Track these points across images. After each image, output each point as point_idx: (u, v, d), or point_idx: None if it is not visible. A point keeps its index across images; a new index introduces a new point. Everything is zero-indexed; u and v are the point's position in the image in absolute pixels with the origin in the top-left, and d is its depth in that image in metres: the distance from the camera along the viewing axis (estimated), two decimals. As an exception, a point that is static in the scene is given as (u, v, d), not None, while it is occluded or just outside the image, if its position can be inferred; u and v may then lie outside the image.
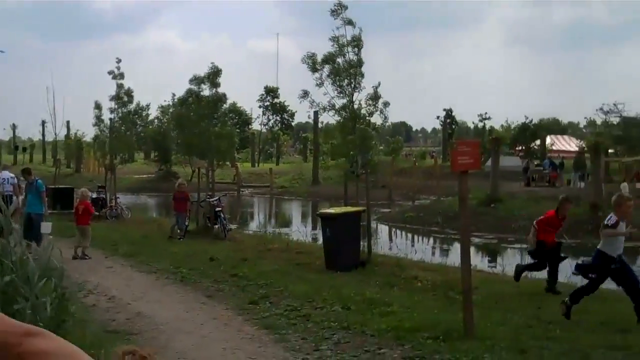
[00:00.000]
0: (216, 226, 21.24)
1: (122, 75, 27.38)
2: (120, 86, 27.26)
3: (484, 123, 69.71)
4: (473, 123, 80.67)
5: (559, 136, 72.31)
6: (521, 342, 7.84)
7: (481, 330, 8.39)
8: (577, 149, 52.75)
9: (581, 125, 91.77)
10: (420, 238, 26.78)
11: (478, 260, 20.89)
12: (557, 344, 7.67)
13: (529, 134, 65.44)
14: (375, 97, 16.14)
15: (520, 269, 13.02)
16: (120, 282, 12.58)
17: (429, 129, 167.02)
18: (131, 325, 9.76)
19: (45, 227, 13.95)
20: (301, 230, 25.97)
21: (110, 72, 27.33)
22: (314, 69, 16.50)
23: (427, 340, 8.16)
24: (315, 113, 32.09)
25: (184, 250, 17.28)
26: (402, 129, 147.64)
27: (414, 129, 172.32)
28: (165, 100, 60.71)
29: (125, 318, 10.20)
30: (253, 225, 32.56)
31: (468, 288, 8.11)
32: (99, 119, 28.45)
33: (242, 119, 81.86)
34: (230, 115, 66.71)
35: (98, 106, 28.40)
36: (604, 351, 7.36)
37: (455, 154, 7.70)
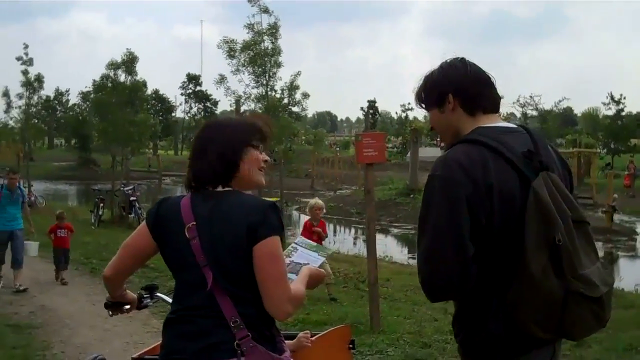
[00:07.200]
0: (131, 215, 20.86)
1: (31, 61, 26.67)
2: (25, 72, 26.60)
3: (407, 114, 70.04)
4: (396, 113, 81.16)
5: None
6: (426, 335, 7.90)
7: (388, 323, 8.42)
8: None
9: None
10: (340, 228, 26.82)
11: (398, 251, 21.04)
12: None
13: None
14: (292, 87, 16.11)
15: None
16: (26, 273, 12.15)
17: (354, 119, 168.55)
18: (34, 318, 9.47)
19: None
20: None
21: (18, 58, 26.59)
22: (230, 55, 16.38)
23: (332, 334, 8.11)
24: (237, 101, 31.76)
25: (97, 241, 16.92)
26: (327, 118, 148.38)
27: (339, 119, 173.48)
28: (86, 87, 59.65)
29: (28, 311, 9.90)
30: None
31: (374, 281, 8.11)
32: (9, 106, 27.74)
33: (164, 106, 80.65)
34: (153, 102, 65.75)
35: (6, 93, 27.69)
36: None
37: (360, 146, 7.64)
